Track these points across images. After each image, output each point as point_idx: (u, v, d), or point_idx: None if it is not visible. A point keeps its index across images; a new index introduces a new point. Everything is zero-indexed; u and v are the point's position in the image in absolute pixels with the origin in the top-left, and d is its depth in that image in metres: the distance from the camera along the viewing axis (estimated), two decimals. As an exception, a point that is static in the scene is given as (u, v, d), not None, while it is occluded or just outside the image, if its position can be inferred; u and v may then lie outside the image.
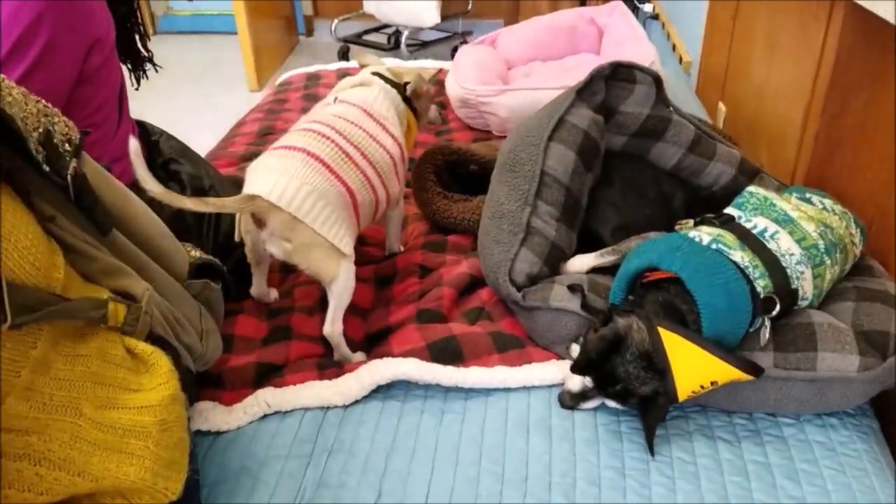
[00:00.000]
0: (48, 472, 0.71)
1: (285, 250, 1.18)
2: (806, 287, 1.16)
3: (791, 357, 1.09)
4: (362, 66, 1.56)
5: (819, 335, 1.11)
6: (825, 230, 1.21)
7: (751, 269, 1.11)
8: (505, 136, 2.11)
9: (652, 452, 1.06)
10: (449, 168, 1.73)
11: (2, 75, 0.78)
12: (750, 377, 1.02)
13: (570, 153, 1.31)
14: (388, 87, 1.46)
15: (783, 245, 1.16)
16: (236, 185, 1.78)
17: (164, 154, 1.46)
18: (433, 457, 1.06)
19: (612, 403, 1.11)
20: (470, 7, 4.46)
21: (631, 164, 1.43)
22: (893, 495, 1.00)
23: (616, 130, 1.41)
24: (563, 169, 1.30)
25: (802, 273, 1.15)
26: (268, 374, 1.21)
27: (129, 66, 1.48)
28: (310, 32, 4.88)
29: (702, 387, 1.03)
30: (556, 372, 1.18)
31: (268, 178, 1.15)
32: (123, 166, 1.32)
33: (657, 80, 1.40)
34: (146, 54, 1.51)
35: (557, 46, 2.52)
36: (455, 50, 4.35)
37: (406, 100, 1.50)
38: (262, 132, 2.19)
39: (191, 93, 4.02)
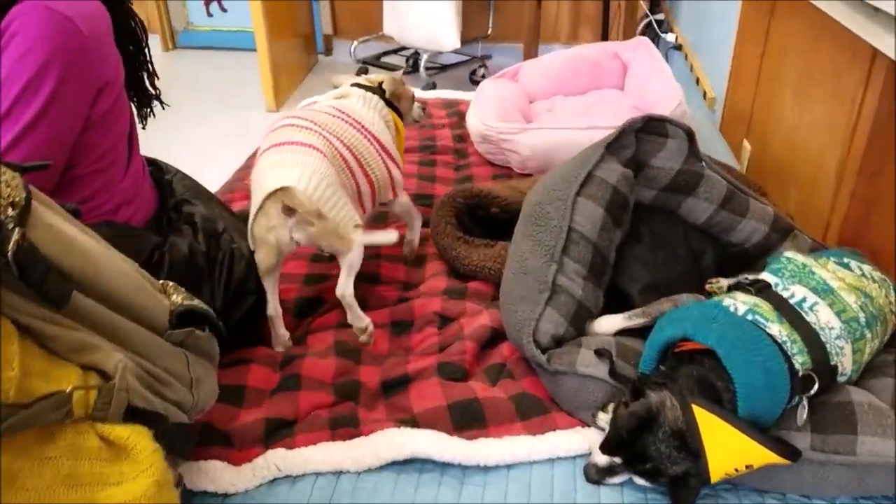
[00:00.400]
0: None
1: (309, 234, 1.31)
2: (845, 363, 1.11)
3: (829, 439, 1.04)
4: (335, 86, 1.68)
5: (859, 416, 1.05)
6: (865, 301, 1.16)
7: (789, 345, 1.06)
8: (525, 175, 2.08)
9: (681, 534, 1.01)
10: (470, 211, 1.69)
11: None
12: (787, 461, 0.97)
13: (599, 209, 1.26)
14: (368, 93, 1.59)
15: (822, 318, 1.11)
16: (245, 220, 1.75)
17: (177, 194, 1.42)
18: (451, 532, 1.01)
19: (640, 480, 1.06)
20: (490, 31, 4.44)
21: (661, 219, 1.38)
22: None
23: (646, 184, 1.37)
24: (591, 226, 1.26)
25: (842, 349, 1.10)
26: (278, 431, 1.16)
27: (136, 103, 1.42)
28: (328, 51, 4.86)
29: (736, 469, 0.99)
30: (582, 441, 1.13)
31: (292, 172, 1.28)
32: (132, 209, 1.29)
33: (690, 135, 1.35)
34: (154, 92, 1.44)
35: (580, 81, 2.49)
36: (474, 73, 4.33)
37: (388, 103, 1.62)
38: (278, 163, 2.15)
39: (207, 110, 4.00)
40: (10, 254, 0.69)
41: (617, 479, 1.08)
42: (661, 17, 3.92)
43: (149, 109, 1.43)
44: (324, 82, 4.40)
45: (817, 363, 1.07)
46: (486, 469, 1.11)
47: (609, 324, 1.25)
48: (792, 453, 0.97)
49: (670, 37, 3.67)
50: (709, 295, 1.33)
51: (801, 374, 1.05)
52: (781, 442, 0.98)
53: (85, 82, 1.12)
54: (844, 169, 1.51)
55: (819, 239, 1.52)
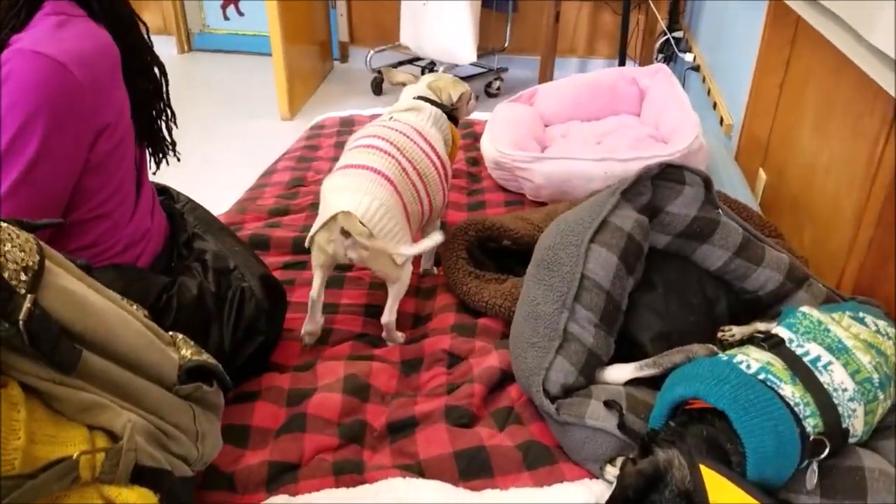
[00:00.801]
0: None
1: (362, 256, 1.39)
2: (857, 425, 1.09)
3: (839, 506, 1.03)
4: (394, 84, 1.78)
5: (870, 483, 1.04)
6: (880, 361, 1.15)
7: (801, 407, 1.05)
8: (539, 203, 2.07)
9: None
10: (481, 244, 1.68)
11: None
12: (796, 528, 0.96)
13: (613, 257, 1.25)
14: (437, 110, 1.67)
15: (836, 378, 1.09)
16: (257, 245, 1.74)
17: (189, 228, 1.40)
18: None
19: (645, 539, 1.05)
20: (507, 43, 4.42)
21: (674, 266, 1.36)
22: None
23: (660, 229, 1.35)
24: (604, 273, 1.25)
25: (854, 411, 1.08)
26: (281, 476, 1.16)
27: (150, 149, 1.35)
28: (344, 58, 4.85)
29: (744, 533, 0.97)
30: (588, 495, 1.12)
31: (353, 196, 1.35)
32: (140, 249, 1.26)
33: (707, 182, 1.34)
34: (169, 140, 1.37)
35: (596, 106, 2.47)
36: (489, 85, 4.31)
37: (450, 116, 1.70)
38: (291, 183, 2.15)
39: (221, 115, 4.00)
40: (21, 322, 0.68)
41: (623, 537, 1.07)
42: (679, 34, 3.88)
43: (163, 156, 1.37)
44: (339, 92, 4.40)
45: (829, 426, 1.06)
46: (492, 518, 1.10)
47: (619, 374, 1.24)
48: (801, 521, 0.96)
49: (688, 56, 3.64)
50: (721, 344, 1.32)
51: (812, 437, 1.04)
52: (791, 509, 0.97)
53: (80, 128, 1.07)
54: (863, 215, 1.49)
55: (834, 285, 1.50)
